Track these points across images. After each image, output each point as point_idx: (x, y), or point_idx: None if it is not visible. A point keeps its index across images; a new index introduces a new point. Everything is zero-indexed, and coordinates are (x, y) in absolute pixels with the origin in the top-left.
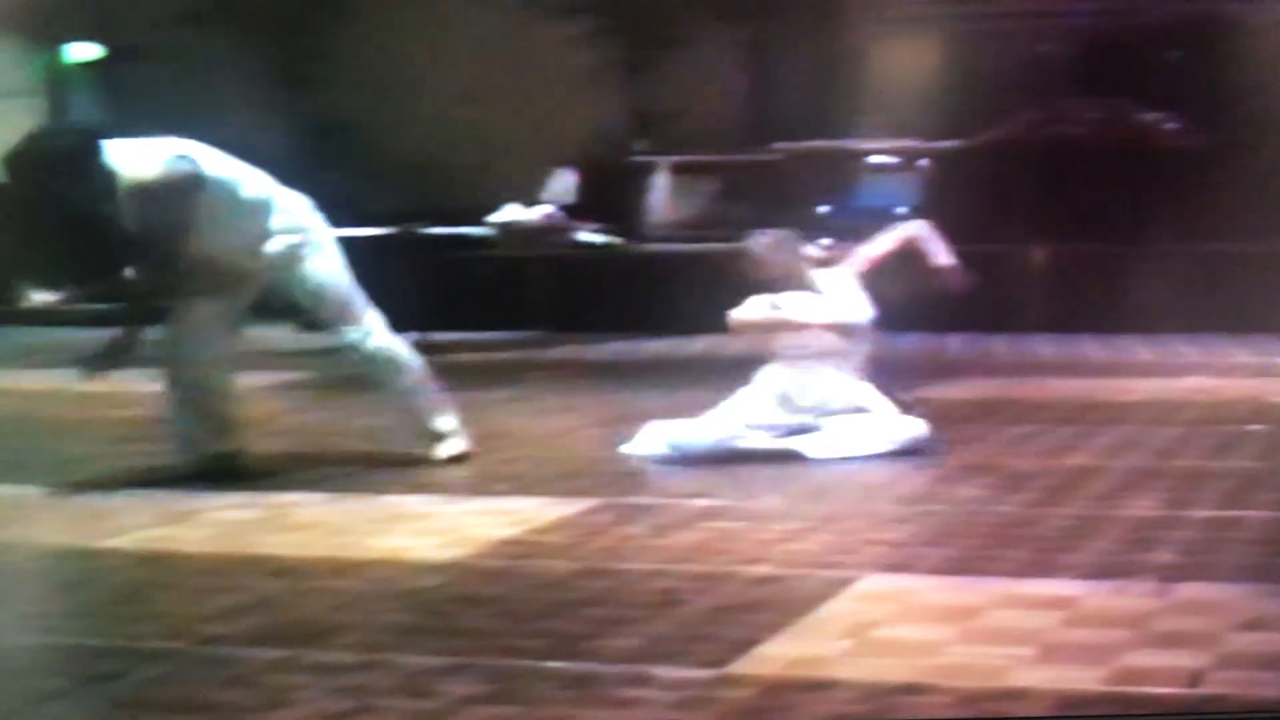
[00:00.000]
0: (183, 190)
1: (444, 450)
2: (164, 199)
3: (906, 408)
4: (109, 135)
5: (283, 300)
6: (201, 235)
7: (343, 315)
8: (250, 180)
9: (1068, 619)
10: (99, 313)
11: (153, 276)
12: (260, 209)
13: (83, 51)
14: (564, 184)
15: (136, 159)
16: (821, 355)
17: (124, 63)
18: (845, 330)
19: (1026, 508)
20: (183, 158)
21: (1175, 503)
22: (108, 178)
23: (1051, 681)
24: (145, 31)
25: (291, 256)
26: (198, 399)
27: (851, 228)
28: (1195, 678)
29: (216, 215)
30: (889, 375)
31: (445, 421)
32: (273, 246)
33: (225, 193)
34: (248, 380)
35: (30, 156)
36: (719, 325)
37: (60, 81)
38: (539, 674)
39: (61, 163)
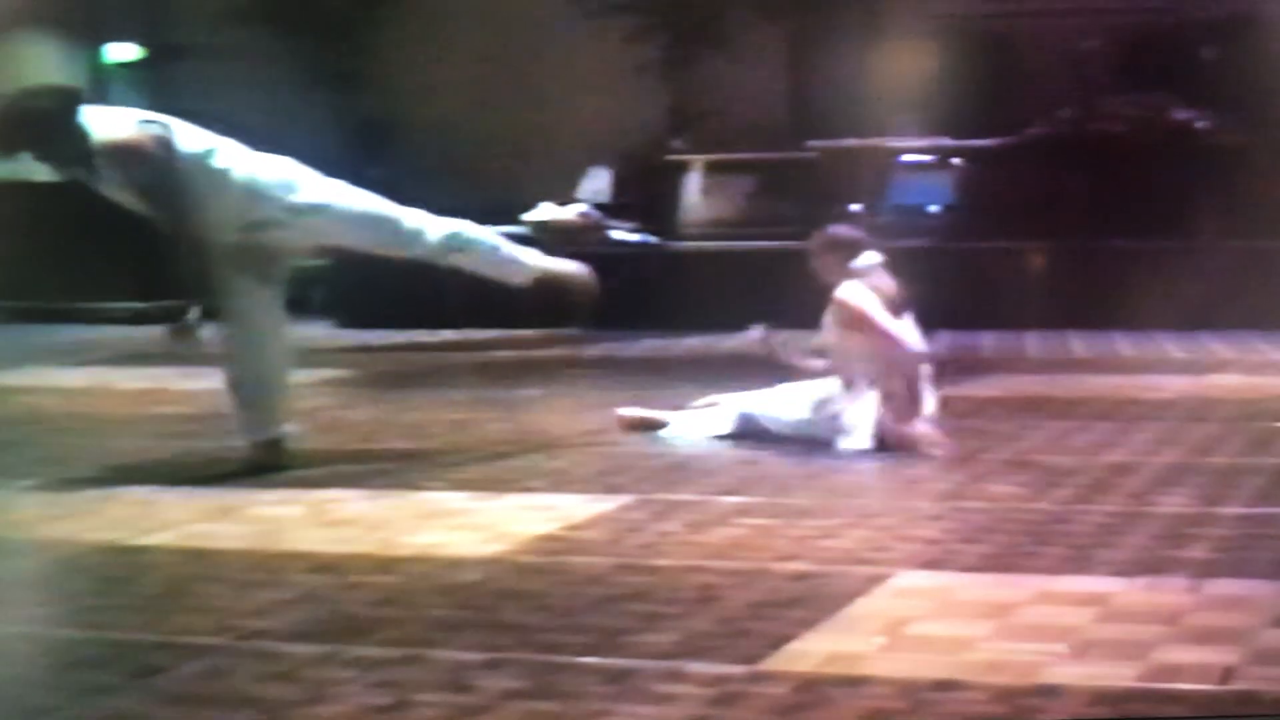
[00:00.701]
0: (153, 151)
1: (581, 295)
2: (136, 159)
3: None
4: (85, 101)
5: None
6: (185, 209)
7: (388, 237)
8: (225, 151)
9: (1101, 615)
10: (140, 311)
11: (186, 259)
12: (240, 177)
13: (123, 52)
14: (599, 182)
15: (110, 122)
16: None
17: (166, 62)
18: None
19: (1061, 504)
20: (153, 122)
21: (1209, 499)
22: (84, 140)
23: (1085, 678)
24: (187, 31)
25: (291, 214)
26: (251, 390)
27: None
28: (1228, 674)
29: (197, 188)
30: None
31: (555, 262)
32: (266, 212)
33: (201, 165)
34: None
35: (8, 117)
36: (753, 322)
37: (102, 81)
38: (577, 669)
39: (39, 123)
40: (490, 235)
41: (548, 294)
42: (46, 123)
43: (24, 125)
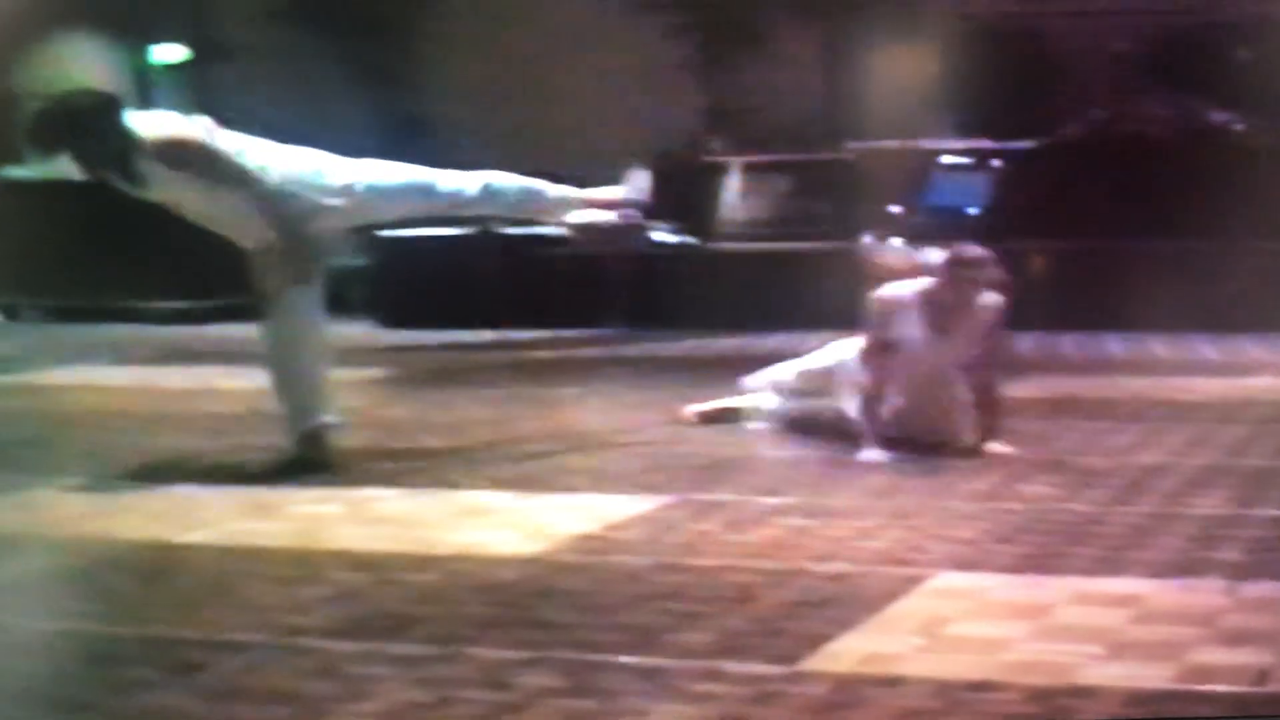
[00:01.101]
0: (211, 143)
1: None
2: (199, 154)
3: None
4: (127, 105)
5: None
6: (265, 187)
7: (427, 201)
8: (255, 149)
9: (1136, 616)
10: (183, 310)
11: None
12: (276, 173)
13: (169, 53)
14: (639, 183)
15: (152, 122)
16: None
17: (210, 63)
18: None
19: (1096, 505)
20: (195, 120)
21: (1243, 501)
22: (124, 141)
23: (1120, 679)
24: (231, 32)
25: (330, 199)
26: (293, 384)
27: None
28: (1262, 675)
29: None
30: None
31: (598, 190)
32: (305, 204)
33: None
34: (330, 375)
35: (49, 115)
36: (791, 322)
37: (147, 82)
38: (614, 668)
39: (78, 122)
40: (524, 180)
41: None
42: (86, 122)
43: (63, 124)
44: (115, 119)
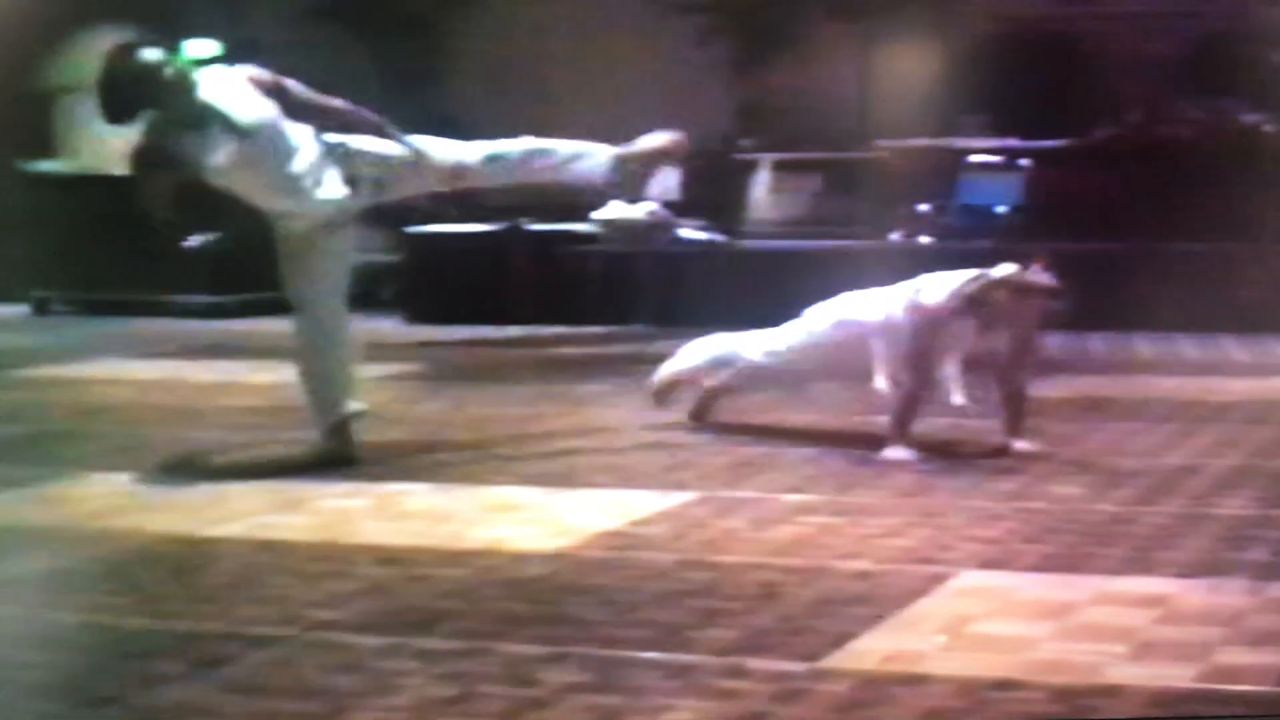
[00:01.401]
0: (294, 87)
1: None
2: (282, 92)
3: None
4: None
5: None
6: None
7: (433, 176)
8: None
9: (1162, 616)
10: (211, 304)
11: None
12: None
13: (202, 48)
14: (668, 180)
15: (246, 68)
16: None
17: (243, 59)
18: None
19: (1123, 505)
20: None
21: (1270, 502)
22: (192, 95)
23: (1144, 678)
24: (265, 27)
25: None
26: (319, 378)
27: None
28: None
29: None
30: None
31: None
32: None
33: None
34: (359, 371)
35: (123, 76)
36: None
37: None
38: (639, 664)
39: (154, 77)
40: (529, 140)
41: (636, 168)
42: (155, 79)
43: (141, 82)
44: (174, 73)
